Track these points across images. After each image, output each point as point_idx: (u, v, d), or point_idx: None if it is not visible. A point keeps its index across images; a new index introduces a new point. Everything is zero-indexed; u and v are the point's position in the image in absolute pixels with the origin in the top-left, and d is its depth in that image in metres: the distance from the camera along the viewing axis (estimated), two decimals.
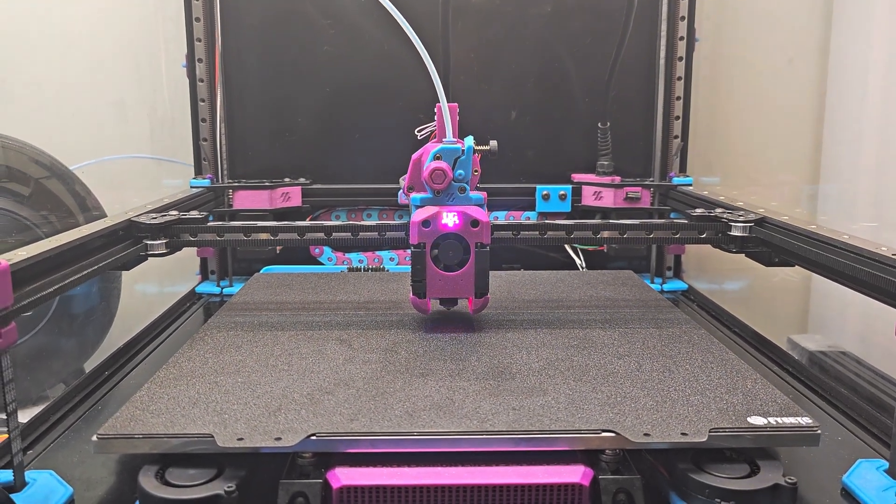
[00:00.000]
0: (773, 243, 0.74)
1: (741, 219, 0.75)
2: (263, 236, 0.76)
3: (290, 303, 0.82)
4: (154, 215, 0.77)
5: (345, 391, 0.56)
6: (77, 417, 0.63)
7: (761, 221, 0.76)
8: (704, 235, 0.77)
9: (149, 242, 0.74)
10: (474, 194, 0.69)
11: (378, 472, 0.48)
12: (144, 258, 0.76)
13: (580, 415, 0.52)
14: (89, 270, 0.66)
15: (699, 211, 0.79)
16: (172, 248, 0.76)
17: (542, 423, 0.50)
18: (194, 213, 0.78)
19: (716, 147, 1.20)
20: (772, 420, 0.51)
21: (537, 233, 0.76)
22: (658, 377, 0.59)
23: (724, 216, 0.77)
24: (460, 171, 0.68)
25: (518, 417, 0.51)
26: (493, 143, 0.71)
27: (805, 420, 0.51)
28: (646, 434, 0.49)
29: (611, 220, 0.77)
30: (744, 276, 1.22)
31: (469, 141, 0.69)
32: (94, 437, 0.49)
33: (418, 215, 0.68)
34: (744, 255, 0.77)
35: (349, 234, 0.75)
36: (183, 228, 0.76)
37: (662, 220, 0.78)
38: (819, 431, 0.50)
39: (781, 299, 1.25)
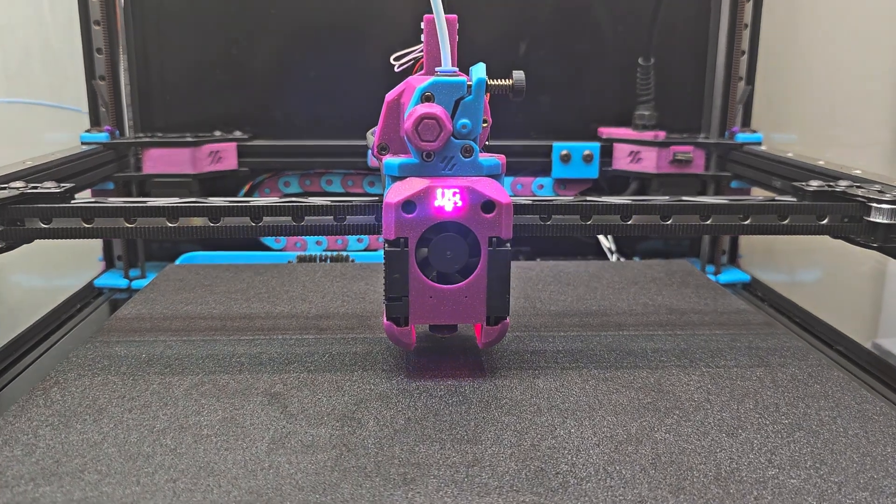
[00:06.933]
0: None
1: (887, 198, 0.49)
2: (157, 222, 0.49)
3: (204, 317, 0.55)
4: None
5: None
6: None
7: None
8: (825, 222, 0.51)
9: None
10: (486, 158, 0.43)
11: None
12: None
13: None
14: None
15: (815, 184, 0.53)
16: (12, 241, 0.49)
17: None
18: (49, 186, 0.51)
19: (790, 93, 0.92)
20: None
21: (578, 217, 0.50)
22: (812, 476, 0.34)
23: (859, 193, 0.51)
24: (465, 121, 0.41)
25: None
26: (519, 74, 0.44)
27: None
28: None
29: (669, 200, 0.51)
30: (812, 265, 0.97)
31: (479, 70, 0.42)
32: None
33: (396, 193, 0.41)
34: (876, 249, 0.52)
35: (289, 218, 0.49)
36: (29, 210, 0.48)
37: (760, 200, 0.52)
38: None
39: (851, 293, 1.00)
